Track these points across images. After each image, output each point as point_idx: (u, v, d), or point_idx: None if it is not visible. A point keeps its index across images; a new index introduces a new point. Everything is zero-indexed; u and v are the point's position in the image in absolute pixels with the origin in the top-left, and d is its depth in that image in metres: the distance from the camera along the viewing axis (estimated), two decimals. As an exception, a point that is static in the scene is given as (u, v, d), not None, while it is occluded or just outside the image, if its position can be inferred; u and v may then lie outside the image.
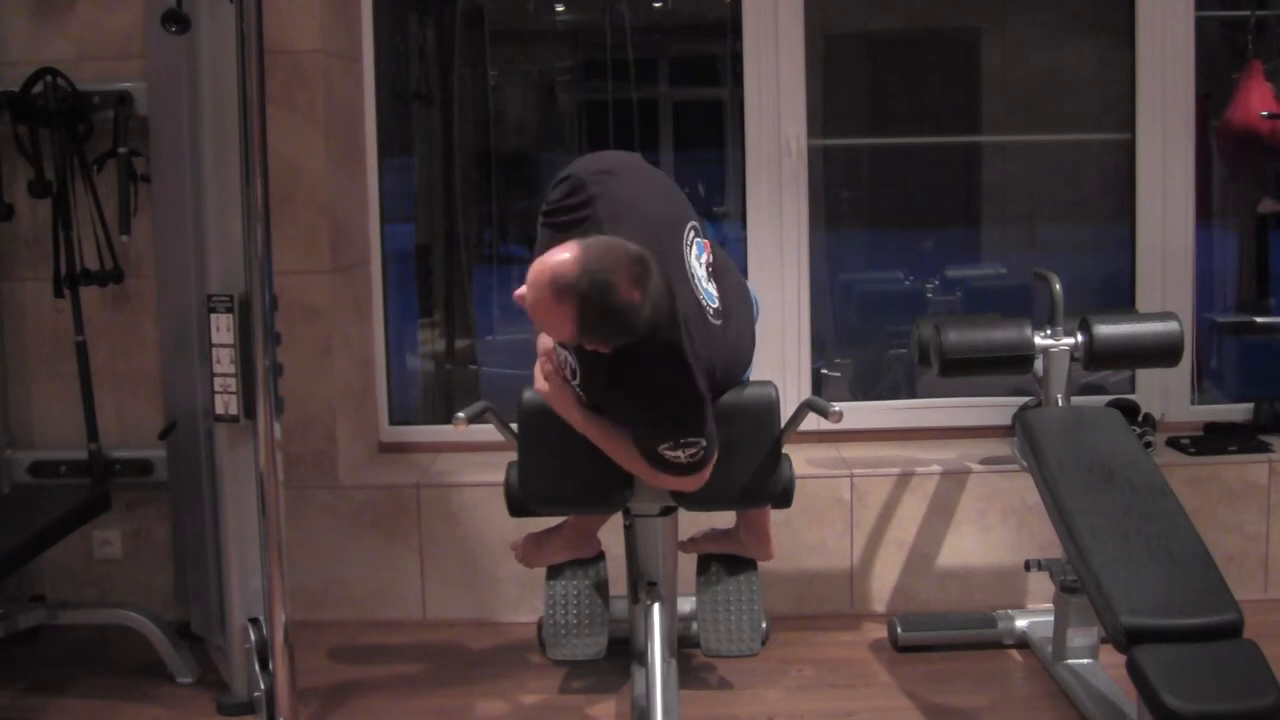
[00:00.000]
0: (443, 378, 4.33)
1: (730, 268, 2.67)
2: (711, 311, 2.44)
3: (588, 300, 2.14)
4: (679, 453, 2.37)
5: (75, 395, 3.35)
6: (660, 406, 2.36)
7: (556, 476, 2.57)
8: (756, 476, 2.55)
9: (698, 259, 2.47)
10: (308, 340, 3.41)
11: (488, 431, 2.98)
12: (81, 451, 3.36)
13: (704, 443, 2.38)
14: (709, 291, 2.46)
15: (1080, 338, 3.07)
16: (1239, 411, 3.81)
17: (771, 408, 2.60)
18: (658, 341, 2.28)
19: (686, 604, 3.08)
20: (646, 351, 2.29)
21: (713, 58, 4.25)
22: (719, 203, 4.18)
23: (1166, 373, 3.66)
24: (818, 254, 3.86)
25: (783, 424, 2.65)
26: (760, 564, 3.03)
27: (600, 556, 3.02)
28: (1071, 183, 4.17)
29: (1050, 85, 4.09)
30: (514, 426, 2.69)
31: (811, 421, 3.65)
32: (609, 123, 4.16)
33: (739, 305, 2.60)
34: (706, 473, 2.45)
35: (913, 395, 4.01)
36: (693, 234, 2.48)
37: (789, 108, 3.71)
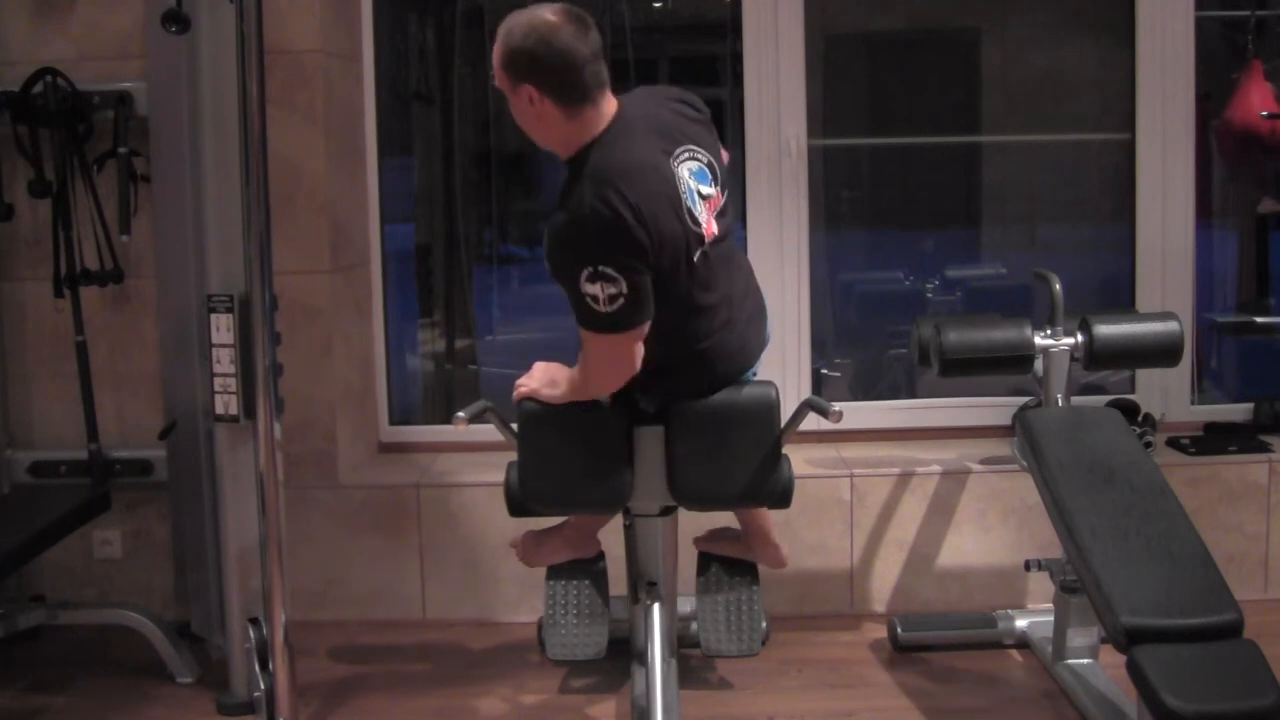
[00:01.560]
0: (443, 378, 4.33)
1: (745, 268, 2.67)
2: (691, 220, 2.38)
3: (512, 36, 2.29)
4: (597, 288, 2.26)
5: (75, 395, 3.35)
6: (586, 220, 2.27)
7: (557, 476, 2.57)
8: (756, 476, 2.55)
9: (691, 174, 2.41)
10: (308, 340, 3.41)
11: (488, 431, 2.98)
12: (81, 451, 3.36)
13: (624, 289, 2.26)
14: (699, 204, 2.40)
15: (1080, 338, 3.07)
16: (1239, 411, 3.81)
17: (771, 408, 2.60)
18: (604, 134, 2.33)
19: (686, 604, 3.08)
20: (593, 156, 2.32)
21: (713, 58, 4.24)
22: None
23: (1166, 373, 3.66)
24: (818, 254, 3.85)
25: (783, 424, 2.65)
26: (760, 564, 3.03)
27: (600, 556, 3.02)
28: (1071, 183, 4.17)
29: (1050, 85, 4.09)
30: (514, 426, 2.69)
31: (811, 421, 3.65)
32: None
33: (748, 300, 2.61)
34: (627, 344, 2.34)
35: (913, 395, 4.01)
36: (687, 155, 2.42)
37: (789, 108, 3.71)
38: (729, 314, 2.53)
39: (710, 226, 2.44)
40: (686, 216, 2.38)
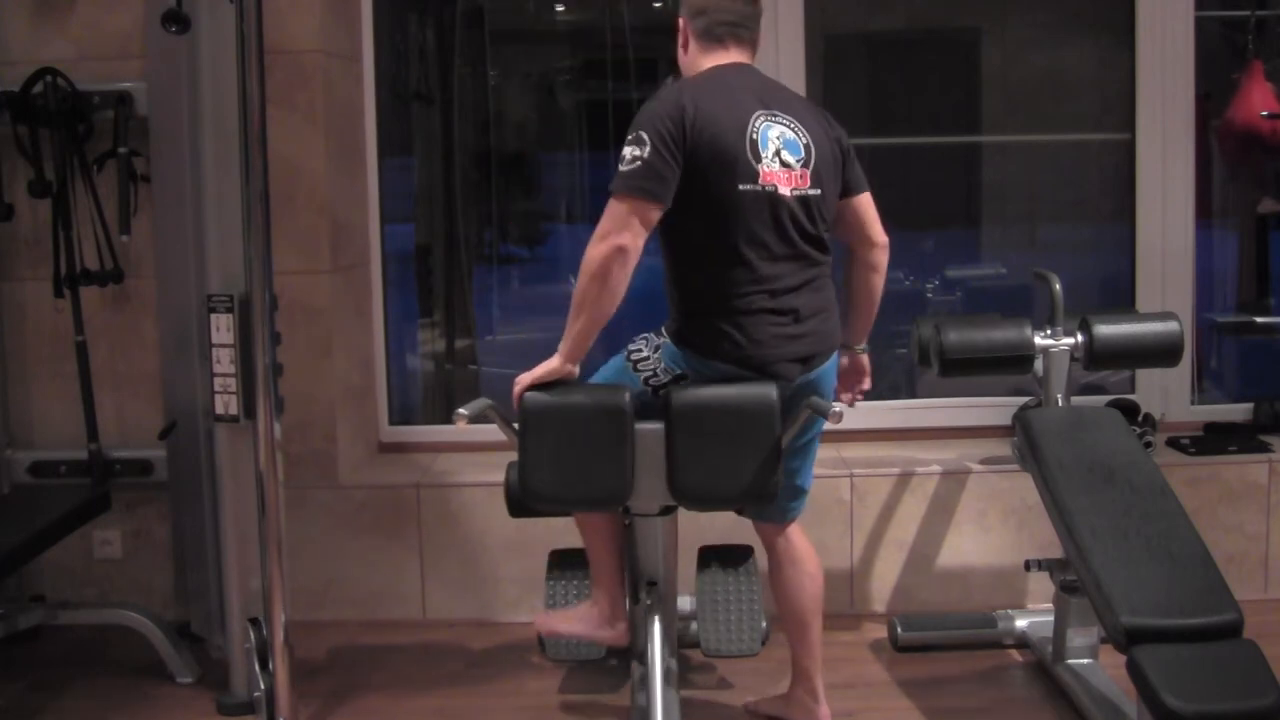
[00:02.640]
0: (443, 378, 4.33)
1: (828, 299, 2.64)
2: (753, 154, 2.47)
3: None
4: (628, 149, 2.41)
5: (75, 395, 3.35)
6: (654, 102, 2.48)
7: (557, 475, 2.57)
8: (757, 476, 2.55)
9: (778, 136, 2.51)
10: (308, 340, 3.41)
11: (488, 431, 2.97)
12: (81, 451, 3.36)
13: (645, 153, 2.38)
14: (771, 154, 2.49)
15: (1080, 338, 3.07)
16: (1239, 411, 3.81)
17: (772, 407, 2.59)
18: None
19: (686, 604, 3.08)
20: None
21: (713, 58, 4.23)
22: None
23: (1166, 373, 3.66)
24: (818, 254, 3.85)
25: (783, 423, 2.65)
26: (760, 564, 3.04)
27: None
28: (1071, 183, 4.17)
29: (1050, 85, 4.09)
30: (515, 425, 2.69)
31: (811, 421, 3.67)
32: (609, 123, 4.15)
33: (817, 317, 2.58)
34: (623, 216, 2.37)
35: (913, 395, 4.01)
36: (784, 121, 2.53)
37: (789, 108, 3.70)
38: (784, 304, 2.52)
39: (775, 177, 2.48)
40: (748, 147, 2.46)
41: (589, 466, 2.54)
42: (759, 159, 2.47)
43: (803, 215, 2.52)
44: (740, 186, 2.45)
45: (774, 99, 2.55)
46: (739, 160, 2.45)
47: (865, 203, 2.69)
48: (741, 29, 2.59)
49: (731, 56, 2.58)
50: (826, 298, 2.61)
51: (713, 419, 2.52)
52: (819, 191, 2.54)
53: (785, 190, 2.48)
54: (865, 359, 2.87)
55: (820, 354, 2.60)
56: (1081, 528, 2.54)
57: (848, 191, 2.65)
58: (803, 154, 2.52)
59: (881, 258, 2.72)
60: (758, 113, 2.49)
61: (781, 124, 2.52)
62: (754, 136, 2.47)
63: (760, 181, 2.46)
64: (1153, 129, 3.73)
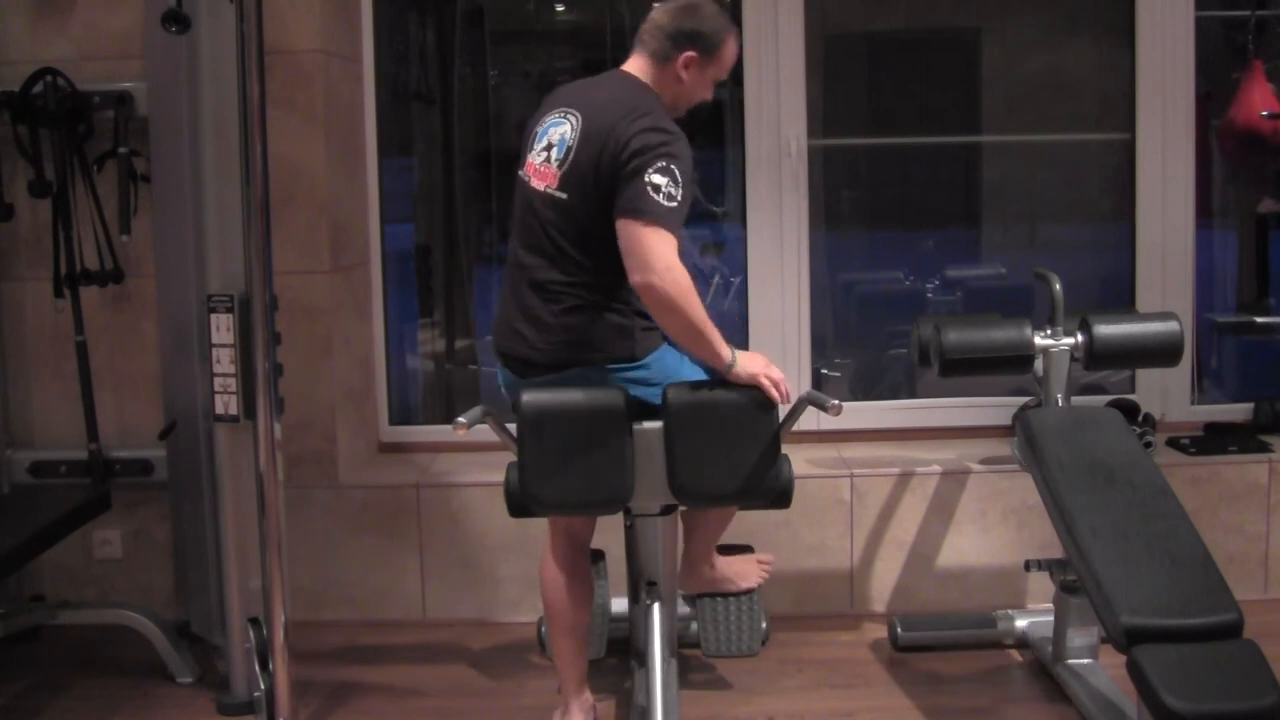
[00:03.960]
0: (443, 378, 4.33)
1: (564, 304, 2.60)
2: (528, 149, 2.63)
3: None
4: (661, 179, 2.39)
5: (75, 395, 3.35)
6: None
7: (557, 478, 2.57)
8: (756, 472, 2.55)
9: (556, 133, 2.58)
10: (308, 340, 3.41)
11: (488, 431, 2.97)
12: (81, 451, 3.36)
13: (678, 187, 2.39)
14: (539, 153, 2.60)
15: (1080, 338, 3.07)
16: (1239, 411, 3.81)
17: (770, 403, 2.59)
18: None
19: (686, 604, 3.08)
20: None
21: (713, 58, 4.23)
22: (719, 203, 4.18)
23: (1166, 373, 3.66)
24: (818, 254, 3.85)
25: (781, 420, 2.65)
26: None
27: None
28: (1071, 183, 4.17)
29: (1050, 85, 4.09)
30: (512, 429, 2.69)
31: (812, 421, 3.67)
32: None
33: (582, 308, 2.59)
34: (668, 245, 2.38)
35: (913, 395, 4.01)
36: (562, 115, 2.61)
37: (789, 108, 3.71)
38: (521, 295, 2.57)
39: (532, 169, 2.59)
40: (531, 137, 2.63)
41: (590, 470, 2.54)
42: (530, 149, 2.62)
43: (553, 214, 2.52)
44: (518, 171, 2.64)
45: (589, 101, 2.56)
46: (523, 148, 2.64)
47: (627, 230, 2.40)
48: (641, 37, 2.64)
49: (630, 63, 2.64)
50: (573, 310, 2.51)
51: (711, 416, 2.52)
52: (565, 196, 2.50)
53: (537, 184, 2.56)
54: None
55: (531, 363, 2.55)
56: (1081, 528, 2.54)
57: (616, 212, 2.43)
58: (562, 155, 2.53)
59: (644, 298, 2.42)
60: (560, 109, 2.60)
61: (568, 122, 2.55)
62: (539, 129, 2.62)
63: (523, 169, 2.62)
64: (1153, 129, 3.73)
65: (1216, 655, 2.27)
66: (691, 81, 2.61)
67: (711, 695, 3.02)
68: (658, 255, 2.37)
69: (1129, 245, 3.80)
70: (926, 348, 3.14)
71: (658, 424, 2.55)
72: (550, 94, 2.70)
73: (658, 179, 2.39)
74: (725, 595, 3.00)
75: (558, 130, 2.56)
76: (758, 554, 3.13)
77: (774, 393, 2.54)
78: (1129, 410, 3.55)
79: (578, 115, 2.54)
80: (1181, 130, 3.72)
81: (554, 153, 2.54)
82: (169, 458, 3.32)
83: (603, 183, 2.45)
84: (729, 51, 2.63)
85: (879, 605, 3.49)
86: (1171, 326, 3.06)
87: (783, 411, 2.62)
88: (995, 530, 3.47)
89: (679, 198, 2.40)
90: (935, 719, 2.87)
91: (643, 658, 2.72)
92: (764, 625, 2.97)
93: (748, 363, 2.54)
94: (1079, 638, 2.97)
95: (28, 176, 3.26)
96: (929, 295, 4.23)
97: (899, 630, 3.23)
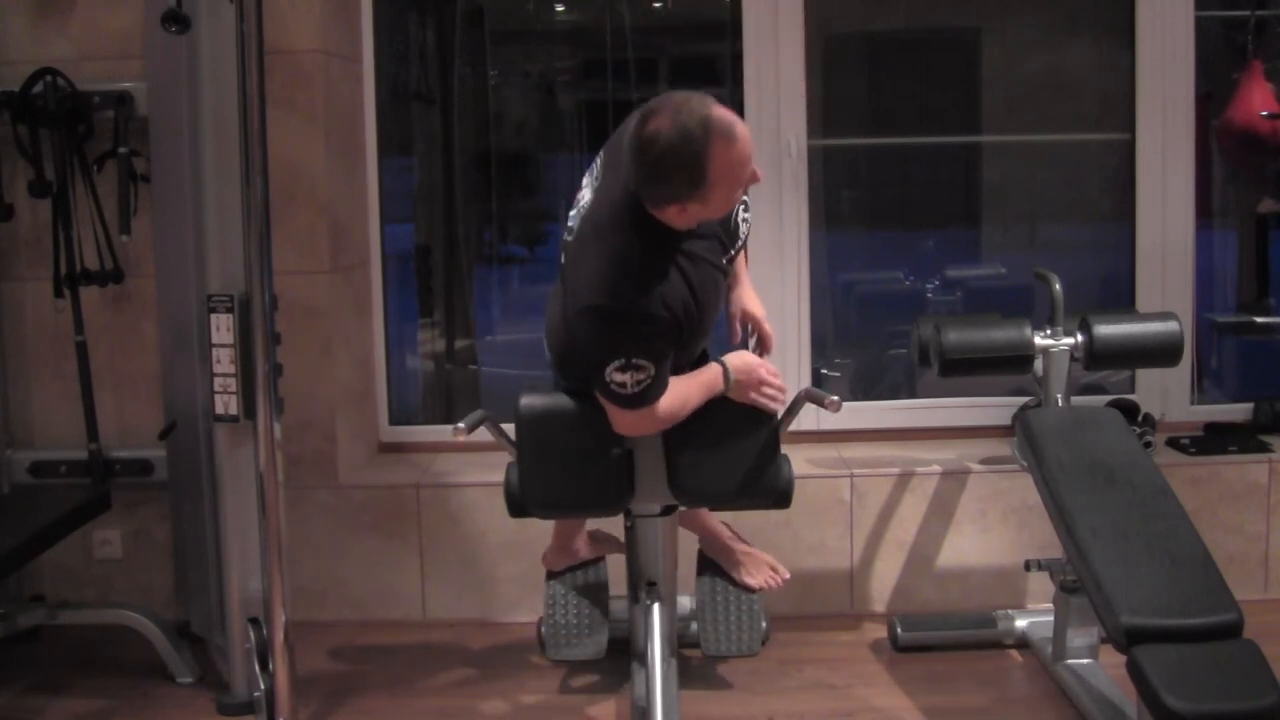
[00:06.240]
0: (443, 378, 4.33)
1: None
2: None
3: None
4: (621, 376, 2.30)
5: (75, 395, 3.35)
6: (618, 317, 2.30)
7: (555, 480, 2.57)
8: (754, 470, 2.55)
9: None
10: (308, 340, 3.41)
11: (488, 432, 2.98)
12: (81, 451, 3.36)
13: (645, 367, 2.30)
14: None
15: (1080, 338, 3.07)
16: (1239, 411, 3.81)
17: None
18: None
19: (686, 604, 3.08)
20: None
21: (713, 58, 4.24)
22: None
23: (1166, 373, 3.66)
24: (818, 254, 3.85)
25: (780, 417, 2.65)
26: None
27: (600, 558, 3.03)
28: (1071, 183, 4.17)
29: (1050, 85, 4.09)
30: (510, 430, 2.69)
31: (812, 421, 3.67)
32: (609, 123, 4.15)
33: (553, 307, 2.68)
34: (646, 416, 2.39)
35: (913, 395, 4.01)
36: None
37: (789, 108, 3.71)
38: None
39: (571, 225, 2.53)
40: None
41: (589, 472, 2.54)
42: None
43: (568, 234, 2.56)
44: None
45: (570, 259, 2.48)
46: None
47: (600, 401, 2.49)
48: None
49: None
50: (552, 310, 2.66)
51: (710, 414, 2.52)
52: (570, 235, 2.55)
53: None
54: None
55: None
56: (1081, 528, 2.54)
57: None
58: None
59: None
60: (567, 229, 2.52)
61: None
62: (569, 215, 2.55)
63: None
64: (1153, 129, 3.73)
65: (1216, 655, 2.27)
66: (700, 214, 2.31)
67: (711, 695, 3.02)
68: (627, 428, 2.46)
69: (1129, 245, 3.80)
70: (926, 348, 3.14)
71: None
72: (587, 170, 2.55)
73: (618, 376, 2.32)
74: (728, 581, 2.99)
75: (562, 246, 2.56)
76: (776, 565, 3.06)
77: (771, 407, 2.55)
78: (1129, 410, 3.56)
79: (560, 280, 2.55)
80: (1181, 130, 3.72)
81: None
82: (169, 458, 3.32)
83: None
84: (723, 164, 2.18)
85: (879, 605, 3.49)
86: (1171, 326, 3.06)
87: (781, 408, 2.62)
88: (995, 530, 3.47)
89: (647, 375, 2.32)
90: (935, 719, 2.87)
91: (643, 658, 2.73)
92: (764, 625, 2.96)
93: (740, 377, 2.53)
94: (1079, 638, 2.97)
95: (28, 176, 3.25)
96: (929, 295, 4.23)
97: (899, 630, 3.23)
